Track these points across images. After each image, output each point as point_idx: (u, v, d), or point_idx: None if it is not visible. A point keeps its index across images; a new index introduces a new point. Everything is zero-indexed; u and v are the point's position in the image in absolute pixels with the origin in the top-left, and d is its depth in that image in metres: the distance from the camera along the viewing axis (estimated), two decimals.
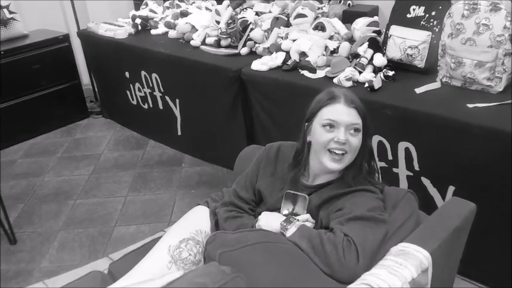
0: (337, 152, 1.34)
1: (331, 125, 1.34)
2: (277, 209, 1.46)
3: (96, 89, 4.11)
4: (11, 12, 3.67)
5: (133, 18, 3.49)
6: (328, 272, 1.20)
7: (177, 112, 3.17)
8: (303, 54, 2.50)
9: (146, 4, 3.69)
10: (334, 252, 1.20)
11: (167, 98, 3.17)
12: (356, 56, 2.36)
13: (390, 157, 2.09)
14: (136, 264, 1.45)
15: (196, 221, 1.55)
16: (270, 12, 2.96)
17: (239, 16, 2.91)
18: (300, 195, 1.42)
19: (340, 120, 1.33)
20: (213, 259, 1.19)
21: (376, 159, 2.14)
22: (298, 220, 1.35)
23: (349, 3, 2.85)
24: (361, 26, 2.48)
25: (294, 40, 2.57)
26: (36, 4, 4.00)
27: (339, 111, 1.34)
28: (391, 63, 2.29)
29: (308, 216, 1.39)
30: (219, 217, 1.51)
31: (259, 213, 1.48)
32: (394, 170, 2.10)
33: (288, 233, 1.32)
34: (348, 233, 1.24)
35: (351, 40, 2.52)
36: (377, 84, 2.14)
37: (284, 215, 1.39)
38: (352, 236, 1.22)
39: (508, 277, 1.91)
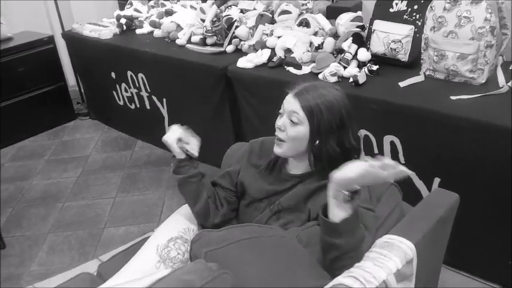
0: (278, 138, 1.38)
1: (280, 113, 1.39)
2: (259, 199, 1.46)
3: (82, 91, 4.09)
4: None
5: (118, 18, 3.47)
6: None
7: (164, 112, 3.17)
8: (288, 51, 2.51)
9: (131, 4, 3.68)
10: (360, 253, 1.18)
11: (154, 97, 3.17)
12: (340, 51, 2.37)
13: (376, 151, 2.11)
14: (125, 264, 1.45)
15: (184, 220, 1.56)
16: (254, 9, 2.96)
17: (224, 14, 2.91)
18: None
19: (285, 108, 1.37)
20: (199, 258, 1.19)
21: (362, 153, 2.15)
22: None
23: None
24: (345, 22, 2.50)
25: (279, 37, 2.58)
26: (20, 6, 3.97)
27: (287, 99, 1.38)
28: (375, 58, 2.30)
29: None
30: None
31: (244, 205, 1.50)
32: None
33: (348, 207, 1.14)
34: None
35: (335, 36, 2.53)
36: (361, 78, 2.16)
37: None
38: None
39: (494, 265, 1.94)
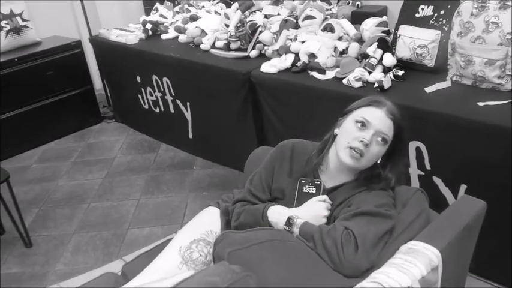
0: (356, 150, 1.33)
1: (364, 124, 1.34)
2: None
3: (108, 94, 4.16)
4: (24, 20, 3.74)
5: (144, 23, 3.53)
6: (332, 266, 1.21)
7: (188, 115, 3.20)
8: (312, 56, 2.51)
9: (156, 9, 3.73)
10: (334, 247, 1.22)
11: (178, 101, 3.20)
12: (365, 56, 2.36)
13: None
14: (149, 265, 1.47)
15: (207, 222, 1.56)
16: (278, 14, 2.97)
17: (248, 19, 2.93)
18: (314, 181, 1.43)
19: (374, 123, 1.33)
20: (222, 258, 1.20)
21: None
22: (297, 219, 1.35)
23: (358, 4, 2.86)
24: (370, 26, 2.48)
25: (302, 42, 2.58)
26: (49, 11, 4.07)
27: (377, 115, 1.34)
28: (401, 63, 2.29)
29: (325, 197, 1.39)
30: (235, 215, 1.49)
31: None
32: None
33: (294, 235, 1.33)
34: (349, 226, 1.25)
35: (360, 41, 2.52)
36: (387, 84, 2.14)
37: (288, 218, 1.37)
38: (352, 229, 1.24)
39: (499, 265, 1.90)
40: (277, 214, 1.39)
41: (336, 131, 1.42)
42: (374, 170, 1.39)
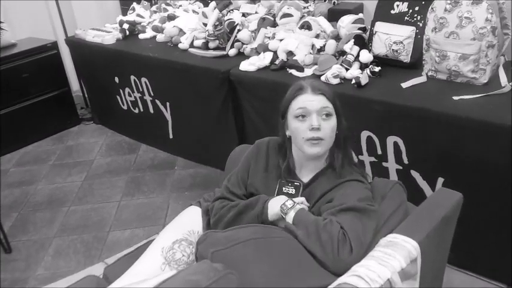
0: (314, 139, 1.36)
1: (303, 115, 1.37)
2: None
3: (86, 96, 4.11)
4: None
5: (121, 23, 3.49)
6: (322, 259, 1.22)
7: (168, 115, 3.18)
8: (290, 54, 2.52)
9: (133, 9, 3.70)
10: (330, 243, 1.22)
11: (157, 101, 3.18)
12: (342, 53, 2.39)
13: (379, 152, 2.11)
14: (131, 266, 1.46)
15: (189, 222, 1.57)
16: (256, 13, 2.98)
17: (226, 18, 2.93)
18: (294, 182, 1.45)
19: (310, 106, 1.36)
20: (205, 258, 1.20)
21: (366, 154, 2.17)
22: (297, 204, 1.36)
23: (334, 2, 2.88)
24: (346, 24, 2.51)
25: (281, 40, 2.60)
26: (23, 12, 4.00)
27: (308, 99, 1.38)
28: (377, 59, 2.31)
29: (303, 199, 1.41)
30: (214, 210, 1.51)
31: None
32: (384, 164, 2.12)
33: (288, 218, 1.34)
34: (341, 224, 1.26)
35: (337, 38, 2.55)
36: (364, 80, 2.16)
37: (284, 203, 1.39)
38: (346, 229, 1.24)
39: (498, 264, 1.94)
40: (273, 201, 1.40)
41: (288, 132, 1.46)
42: (339, 146, 1.43)
